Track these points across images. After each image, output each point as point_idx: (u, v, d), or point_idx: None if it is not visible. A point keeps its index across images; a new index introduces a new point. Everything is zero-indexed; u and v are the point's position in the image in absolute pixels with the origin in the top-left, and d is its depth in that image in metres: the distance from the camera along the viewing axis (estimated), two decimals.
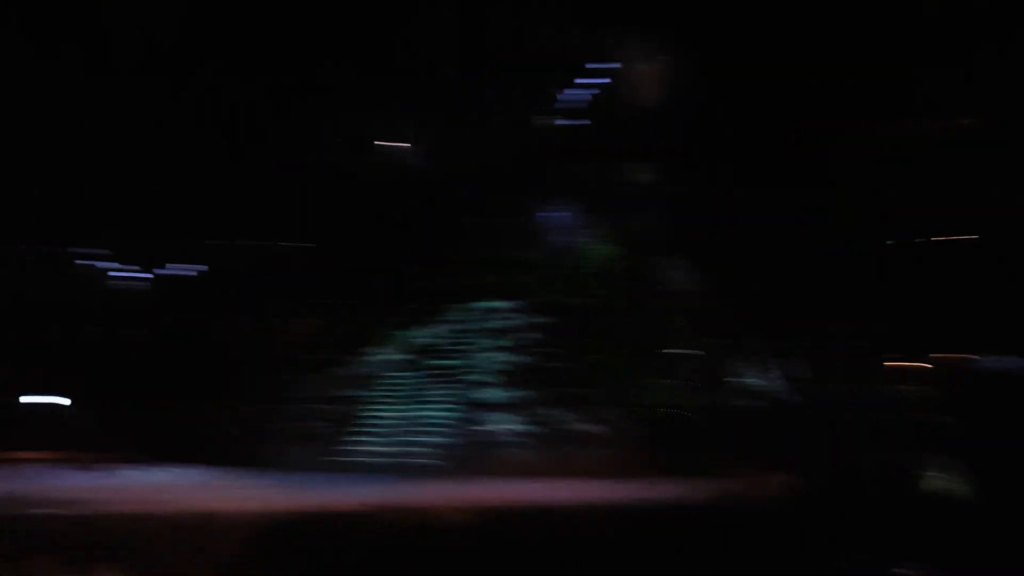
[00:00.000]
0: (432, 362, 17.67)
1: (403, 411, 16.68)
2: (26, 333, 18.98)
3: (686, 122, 18.46)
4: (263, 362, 18.85)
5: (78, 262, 19.91)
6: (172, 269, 19.83)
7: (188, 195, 19.18)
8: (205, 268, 19.74)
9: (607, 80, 20.93)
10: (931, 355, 15.88)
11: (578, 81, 21.30)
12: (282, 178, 19.67)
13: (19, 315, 18.98)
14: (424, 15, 21.79)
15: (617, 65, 20.45)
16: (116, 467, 16.58)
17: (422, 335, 18.55)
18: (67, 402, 18.91)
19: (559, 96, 21.83)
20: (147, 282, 19.68)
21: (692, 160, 18.03)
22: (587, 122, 20.97)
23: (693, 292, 16.86)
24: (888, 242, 17.11)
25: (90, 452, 16.50)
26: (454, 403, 16.20)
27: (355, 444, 16.34)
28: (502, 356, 17.01)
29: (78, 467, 16.27)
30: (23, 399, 19.12)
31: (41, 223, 19.36)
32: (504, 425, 15.27)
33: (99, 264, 20.02)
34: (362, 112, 20.99)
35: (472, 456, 15.03)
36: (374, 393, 17.43)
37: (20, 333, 18.88)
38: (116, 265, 19.63)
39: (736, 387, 15.67)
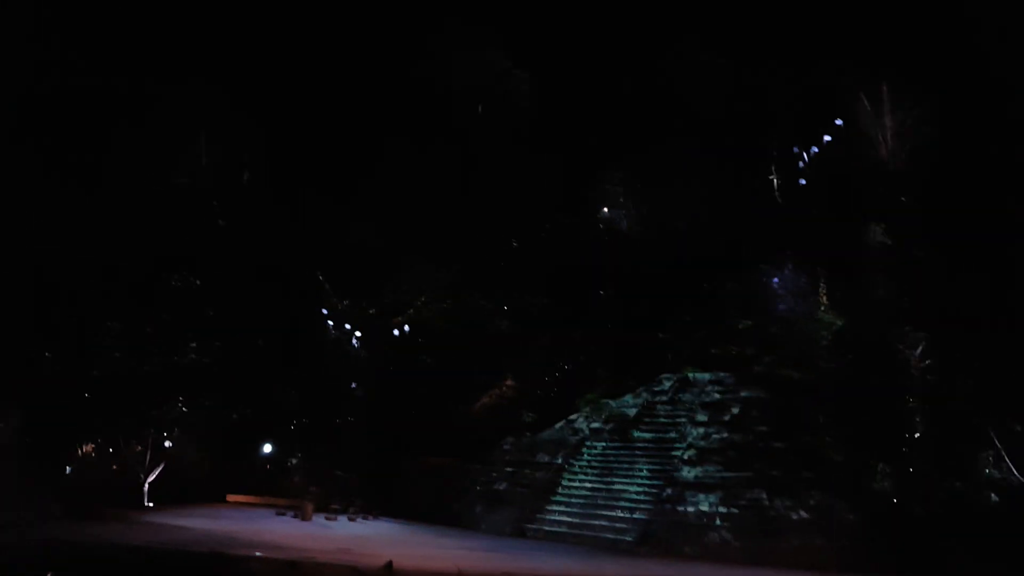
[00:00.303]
0: (635, 434, 16.89)
1: (601, 482, 16.01)
2: (286, 390, 20.73)
3: (927, 181, 16.61)
4: (466, 422, 19.13)
5: (329, 324, 21.58)
6: (381, 330, 20.82)
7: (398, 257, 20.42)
8: (407, 328, 20.56)
9: (834, 138, 19.57)
10: None
11: (825, 140, 19.99)
12: (493, 244, 20.33)
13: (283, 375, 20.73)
14: (650, 81, 21.89)
15: (841, 122, 19.01)
16: (324, 516, 17.51)
17: (628, 404, 17.96)
18: (294, 453, 20.33)
19: (789, 154, 20.69)
20: (360, 341, 20.84)
21: (934, 221, 16.01)
22: (813, 181, 19.67)
23: (932, 368, 14.76)
24: None
25: (306, 501, 17.50)
26: (655, 478, 15.28)
27: (550, 512, 15.88)
28: (711, 431, 15.88)
29: (291, 515, 17.35)
30: (263, 449, 20.81)
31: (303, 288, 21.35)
32: (707, 505, 14.11)
33: (342, 327, 21.58)
34: (577, 178, 21.25)
35: (670, 536, 13.99)
36: (573, 461, 16.94)
37: (283, 391, 20.67)
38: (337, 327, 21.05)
39: (976, 477, 13.35)
